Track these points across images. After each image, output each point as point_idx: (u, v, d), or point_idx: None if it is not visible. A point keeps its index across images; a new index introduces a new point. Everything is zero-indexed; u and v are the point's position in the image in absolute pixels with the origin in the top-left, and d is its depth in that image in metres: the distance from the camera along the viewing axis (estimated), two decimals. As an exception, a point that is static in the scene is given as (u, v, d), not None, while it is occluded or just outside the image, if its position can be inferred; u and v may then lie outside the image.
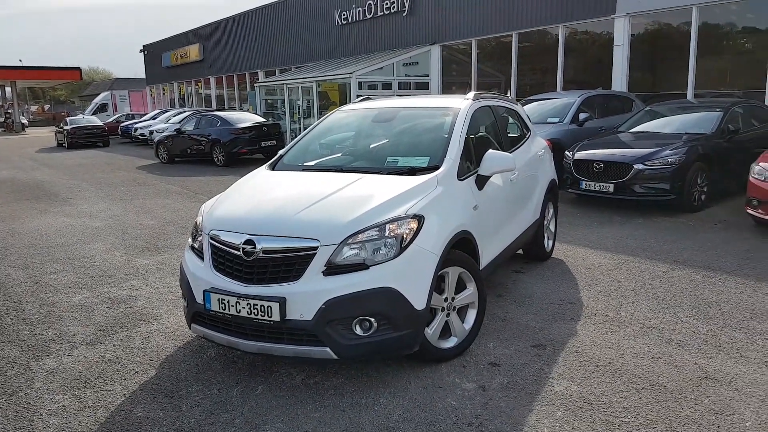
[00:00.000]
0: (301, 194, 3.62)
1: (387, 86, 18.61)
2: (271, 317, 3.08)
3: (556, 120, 10.41)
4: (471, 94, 4.71)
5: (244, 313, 3.16)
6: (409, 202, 3.41)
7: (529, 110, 11.16)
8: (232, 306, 3.19)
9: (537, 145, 5.67)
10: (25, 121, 53.29)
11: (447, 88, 18.49)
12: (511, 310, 4.51)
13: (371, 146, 4.51)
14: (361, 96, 5.20)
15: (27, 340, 4.10)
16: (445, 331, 3.65)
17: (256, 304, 3.11)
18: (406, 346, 3.29)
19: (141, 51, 39.29)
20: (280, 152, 4.61)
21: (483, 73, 17.33)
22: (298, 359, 3.36)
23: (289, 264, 3.16)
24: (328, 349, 3.09)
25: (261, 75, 26.84)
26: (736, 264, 5.55)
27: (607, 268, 5.57)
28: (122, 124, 28.48)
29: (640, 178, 7.82)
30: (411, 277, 3.21)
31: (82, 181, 13.52)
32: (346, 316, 3.08)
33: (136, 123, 26.66)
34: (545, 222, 5.78)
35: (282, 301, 3.06)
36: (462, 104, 4.46)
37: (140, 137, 24.48)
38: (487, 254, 4.14)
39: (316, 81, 18.29)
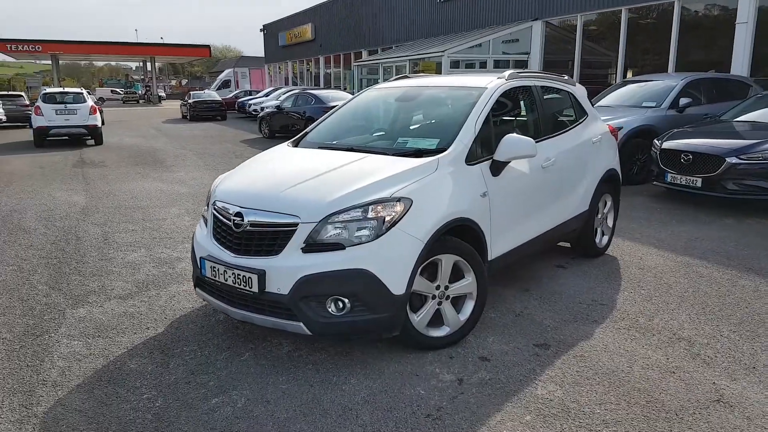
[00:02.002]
0: (298, 171, 3.66)
1: (483, 65, 18.11)
2: (251, 288, 3.17)
3: (652, 104, 9.57)
4: (507, 73, 4.47)
5: (230, 282, 3.29)
6: (399, 185, 3.33)
7: (625, 93, 10.41)
8: (221, 274, 3.32)
9: (593, 130, 5.26)
10: (162, 93, 58.26)
11: (548, 67, 17.62)
12: (531, 305, 4.28)
13: (387, 126, 4.44)
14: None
15: (73, 290, 4.54)
16: (439, 320, 3.55)
17: (240, 274, 3.22)
18: (382, 329, 3.25)
19: (261, 30, 41.22)
20: (307, 129, 4.67)
21: (588, 51, 16.31)
22: (278, 331, 3.44)
23: (272, 238, 3.22)
24: (301, 324, 3.13)
25: (365, 54, 27.18)
26: (819, 278, 4.85)
27: (663, 270, 5.09)
28: (239, 100, 30.22)
29: (733, 174, 7.01)
30: (389, 261, 3.15)
31: (188, 151, 14.58)
32: (320, 293, 3.10)
33: (251, 99, 28.17)
34: (599, 216, 5.39)
35: (261, 274, 3.14)
36: (490, 84, 4.24)
37: (253, 113, 25.87)
38: (500, 245, 3.95)
39: (409, 60, 18.21)
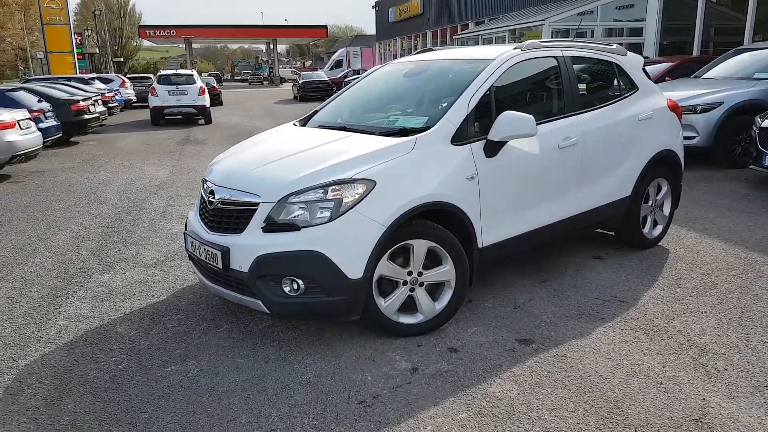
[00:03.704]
0: (276, 151, 3.66)
1: (581, 34, 16.86)
2: (217, 264, 3.26)
3: (766, 76, 8.38)
4: (527, 43, 4.11)
5: (203, 257, 3.40)
6: (364, 165, 3.21)
7: (736, 63, 9.22)
8: (197, 249, 3.44)
9: (642, 106, 4.69)
10: (284, 75, 60.93)
11: (667, 34, 16.03)
12: (538, 297, 3.98)
13: (388, 103, 4.28)
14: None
15: (109, 257, 4.95)
16: (413, 307, 3.42)
17: (209, 250, 3.31)
18: (339, 313, 3.19)
19: (373, 7, 41.48)
20: (318, 107, 4.65)
21: (713, 14, 14.56)
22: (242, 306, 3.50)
23: (237, 217, 3.27)
24: (260, 302, 3.16)
25: (471, 26, 26.43)
26: None
27: (718, 267, 4.50)
28: (347, 79, 30.85)
29: (843, 159, 5.98)
30: (344, 244, 3.07)
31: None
32: (276, 273, 3.10)
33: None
34: (649, 203, 4.86)
35: (225, 251, 3.20)
36: (499, 56, 3.93)
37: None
38: (495, 232, 3.69)
39: (508, 30, 17.41)
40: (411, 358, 3.17)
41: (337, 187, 3.12)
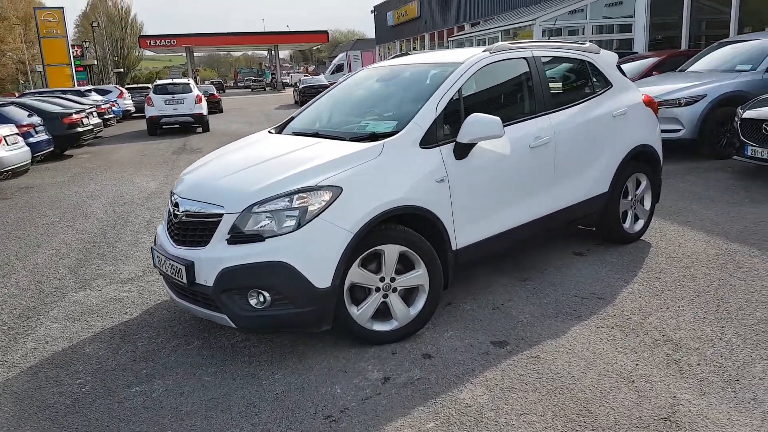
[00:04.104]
0: (244, 160, 3.63)
1: (574, 32, 16.83)
2: (182, 279, 3.22)
3: (747, 68, 8.34)
4: (495, 46, 4.08)
5: (169, 272, 3.36)
6: (330, 172, 3.17)
7: (719, 56, 9.18)
8: (163, 264, 3.40)
9: (616, 102, 4.65)
10: (287, 80, 60.93)
11: (656, 30, 16.00)
12: (517, 297, 3.93)
13: (361, 108, 4.24)
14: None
15: (87, 273, 4.91)
16: (388, 313, 3.37)
17: (174, 265, 3.27)
18: (309, 324, 3.15)
19: (372, 12, 41.52)
20: (294, 113, 4.61)
21: (699, 9, 14.54)
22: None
23: (201, 229, 3.23)
24: (225, 316, 3.12)
25: (467, 27, 26.42)
26: None
27: (698, 259, 4.45)
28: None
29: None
30: (311, 252, 3.02)
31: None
32: (240, 286, 3.05)
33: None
34: (629, 198, 4.81)
35: (190, 265, 3.16)
36: (467, 59, 3.89)
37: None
38: (469, 233, 3.65)
39: (501, 30, 17.38)
40: (383, 367, 3.13)
41: (302, 195, 3.08)
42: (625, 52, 14.29)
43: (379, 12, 40.91)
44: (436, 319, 3.66)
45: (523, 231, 4.03)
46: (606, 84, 4.70)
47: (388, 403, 2.80)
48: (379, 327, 3.35)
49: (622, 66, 11.64)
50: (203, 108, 17.94)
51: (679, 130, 8.15)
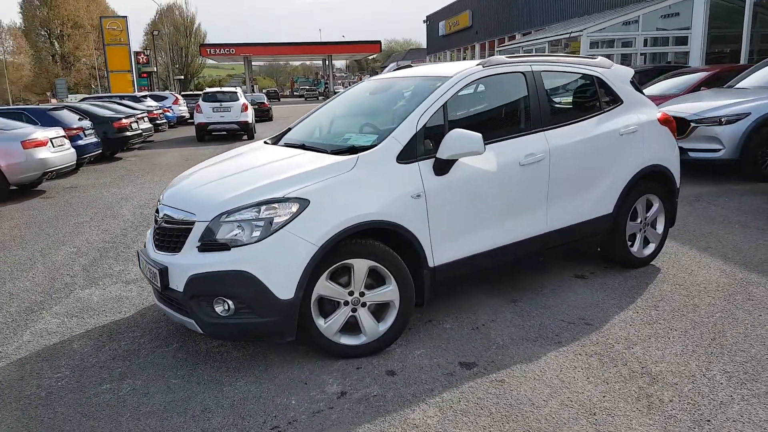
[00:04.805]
0: (227, 169, 3.71)
1: (628, 44, 16.31)
2: (157, 283, 3.31)
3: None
4: (489, 60, 4.02)
5: (148, 276, 3.47)
6: (300, 184, 3.20)
7: (763, 75, 8.67)
8: (144, 267, 3.52)
9: (625, 120, 4.48)
10: (341, 89, 61.84)
11: (715, 43, 15.33)
12: (501, 318, 3.84)
13: (346, 121, 4.26)
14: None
15: (97, 272, 5.12)
16: (357, 327, 3.37)
17: (151, 269, 3.38)
18: (273, 334, 3.18)
19: (424, 21, 41.67)
20: (291, 124, 4.68)
21: (765, 21, 13.81)
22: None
23: (177, 235, 3.31)
24: (194, 322, 3.19)
25: (518, 37, 26.07)
26: None
27: (706, 288, 4.22)
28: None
29: None
30: (274, 263, 3.05)
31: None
32: (207, 293, 3.11)
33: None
34: (638, 220, 4.62)
35: (164, 270, 3.25)
36: (457, 73, 3.85)
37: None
38: (449, 251, 3.59)
39: (548, 41, 17.06)
40: (344, 382, 3.12)
41: (271, 206, 3.12)
42: (675, 65, 13.75)
43: (431, 21, 41.01)
44: (412, 335, 3.63)
45: (512, 251, 3.93)
46: (615, 100, 4.54)
47: (338, 418, 2.79)
48: (347, 341, 3.35)
49: (668, 80, 11.26)
50: (249, 116, 18.43)
51: (719, 150, 7.76)
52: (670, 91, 10.58)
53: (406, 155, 3.46)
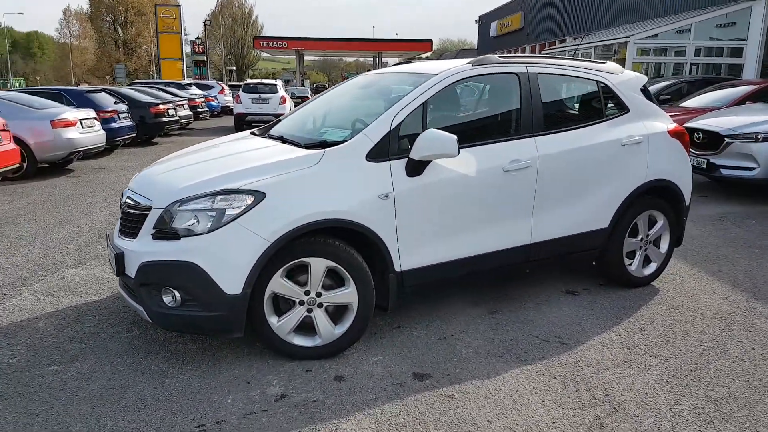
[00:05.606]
0: (197, 158, 3.65)
1: (679, 53, 15.60)
2: (113, 267, 3.29)
3: None
4: (480, 59, 3.84)
5: (110, 259, 3.45)
6: (260, 176, 3.10)
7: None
8: (109, 252, 3.50)
9: (631, 129, 4.20)
10: None
11: (769, 57, 14.50)
12: (472, 330, 3.66)
13: (331, 115, 4.14)
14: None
15: (87, 254, 5.17)
16: (313, 329, 3.26)
17: (111, 254, 3.36)
18: (219, 329, 3.10)
19: (476, 21, 41.13)
20: (281, 117, 4.60)
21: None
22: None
23: (135, 221, 3.27)
24: (143, 310, 3.15)
25: (569, 41, 25.39)
26: None
27: (703, 314, 3.93)
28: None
29: None
30: (222, 256, 2.97)
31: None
32: (156, 282, 3.06)
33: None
34: (638, 237, 4.35)
35: (120, 255, 3.22)
36: (441, 71, 3.68)
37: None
38: (417, 256, 3.43)
39: (594, 46, 16.51)
40: (288, 384, 3.01)
41: (226, 197, 3.04)
42: (724, 78, 13.06)
43: (483, 22, 40.45)
44: (374, 340, 3.50)
45: (490, 260, 3.74)
46: (621, 108, 4.27)
47: (268, 422, 2.69)
48: (301, 342, 3.24)
49: (714, 92, 10.67)
50: (286, 109, 18.56)
51: (754, 168, 7.29)
52: (713, 104, 10.04)
53: (378, 153, 3.33)
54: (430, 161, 3.39)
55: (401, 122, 3.42)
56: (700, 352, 3.39)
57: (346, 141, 3.37)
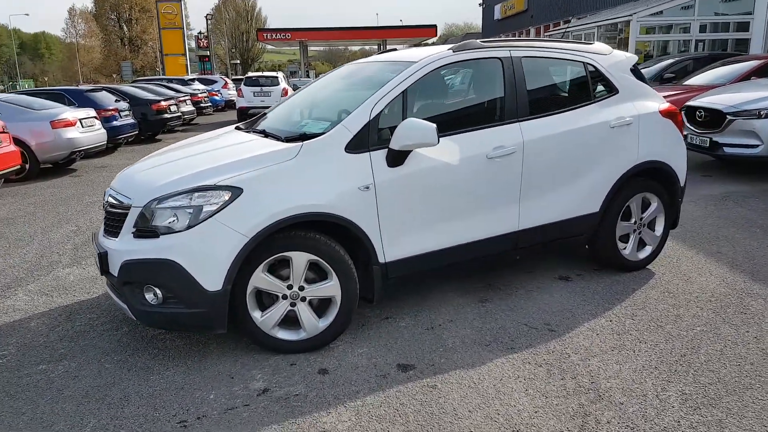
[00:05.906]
0: (179, 154, 3.64)
1: (684, 30, 15.31)
2: (99, 268, 3.30)
3: None
4: (461, 44, 3.78)
5: (96, 259, 3.46)
6: (236, 171, 3.09)
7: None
8: (95, 253, 3.51)
9: (621, 111, 4.12)
10: None
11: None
12: (460, 320, 3.64)
13: (313, 107, 4.10)
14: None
15: (85, 252, 5.20)
16: (297, 322, 3.26)
17: (96, 253, 3.37)
18: (201, 326, 3.11)
19: (480, 5, 40.69)
20: (267, 110, 4.57)
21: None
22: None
23: (117, 220, 3.28)
24: (127, 308, 3.16)
25: (573, 21, 25.03)
26: None
27: (698, 297, 3.88)
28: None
29: None
30: (201, 253, 2.97)
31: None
32: (138, 281, 3.07)
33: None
34: (631, 220, 4.29)
35: (104, 254, 3.23)
36: (420, 59, 3.63)
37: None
38: (401, 246, 3.41)
39: (597, 26, 16.26)
40: (271, 378, 3.02)
41: (203, 194, 3.03)
42: (730, 53, 12.81)
43: (487, 5, 39.98)
44: (361, 332, 3.49)
45: (477, 248, 3.71)
46: (610, 90, 4.20)
47: (249, 416, 2.70)
48: (285, 336, 3.24)
49: (719, 68, 10.47)
50: (288, 101, 18.54)
51: (757, 146, 7.16)
52: (718, 80, 9.85)
53: (357, 145, 3.30)
54: (411, 151, 3.35)
55: (380, 112, 3.38)
56: (691, 337, 3.35)
57: (325, 133, 3.34)
